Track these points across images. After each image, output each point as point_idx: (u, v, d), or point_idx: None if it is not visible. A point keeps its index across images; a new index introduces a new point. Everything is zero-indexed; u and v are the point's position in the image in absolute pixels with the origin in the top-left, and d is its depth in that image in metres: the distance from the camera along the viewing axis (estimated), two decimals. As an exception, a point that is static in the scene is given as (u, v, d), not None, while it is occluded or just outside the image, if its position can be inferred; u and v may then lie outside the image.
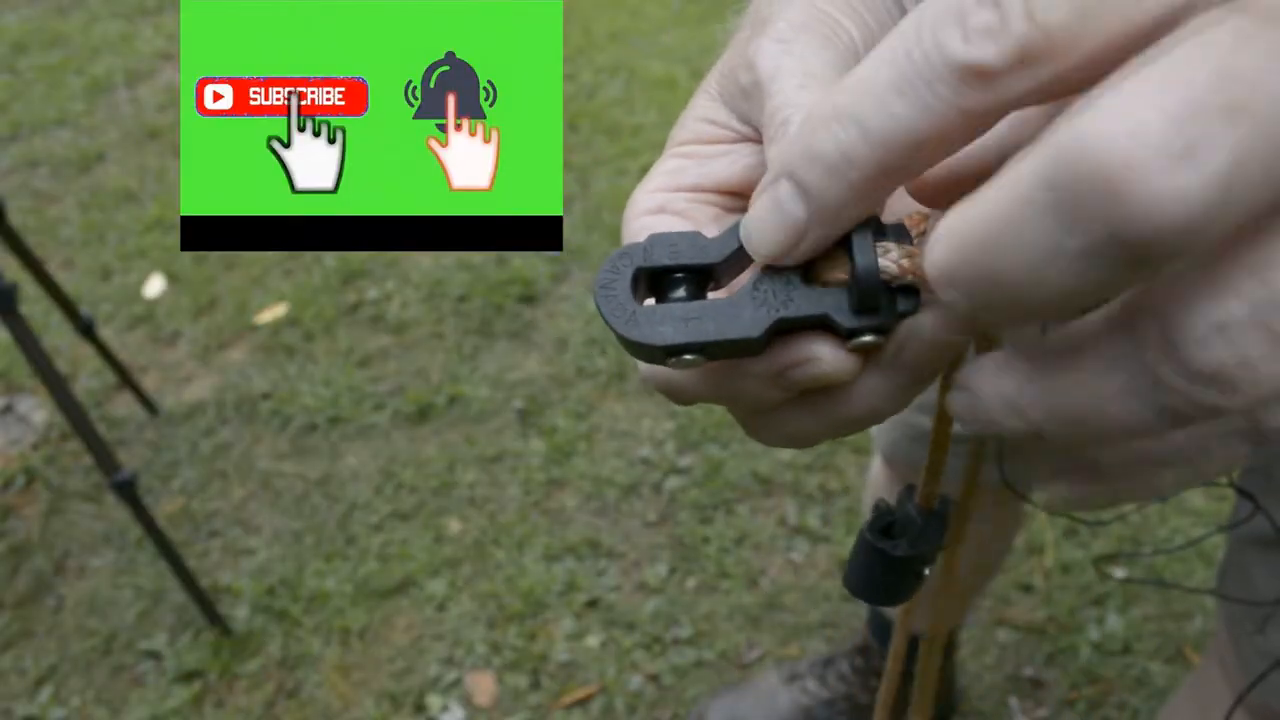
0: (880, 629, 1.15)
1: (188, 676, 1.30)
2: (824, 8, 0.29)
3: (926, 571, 0.31)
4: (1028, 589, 1.38)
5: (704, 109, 0.30)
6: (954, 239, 0.17)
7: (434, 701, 1.27)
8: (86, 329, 1.46)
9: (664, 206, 0.28)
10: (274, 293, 1.96)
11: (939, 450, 0.31)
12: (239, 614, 1.37)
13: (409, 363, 1.79)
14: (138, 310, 1.92)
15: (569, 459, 1.58)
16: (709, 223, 0.29)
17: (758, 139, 0.29)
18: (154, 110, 2.67)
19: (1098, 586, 1.37)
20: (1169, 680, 1.26)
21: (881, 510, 0.33)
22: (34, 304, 1.75)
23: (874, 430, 0.93)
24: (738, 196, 0.30)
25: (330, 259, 2.04)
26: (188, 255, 2.07)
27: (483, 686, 1.29)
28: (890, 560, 0.31)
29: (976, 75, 0.18)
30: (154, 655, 1.33)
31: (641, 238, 0.27)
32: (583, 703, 1.26)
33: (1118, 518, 1.42)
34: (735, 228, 0.25)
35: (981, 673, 1.29)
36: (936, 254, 0.18)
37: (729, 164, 0.29)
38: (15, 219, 1.29)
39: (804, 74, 0.27)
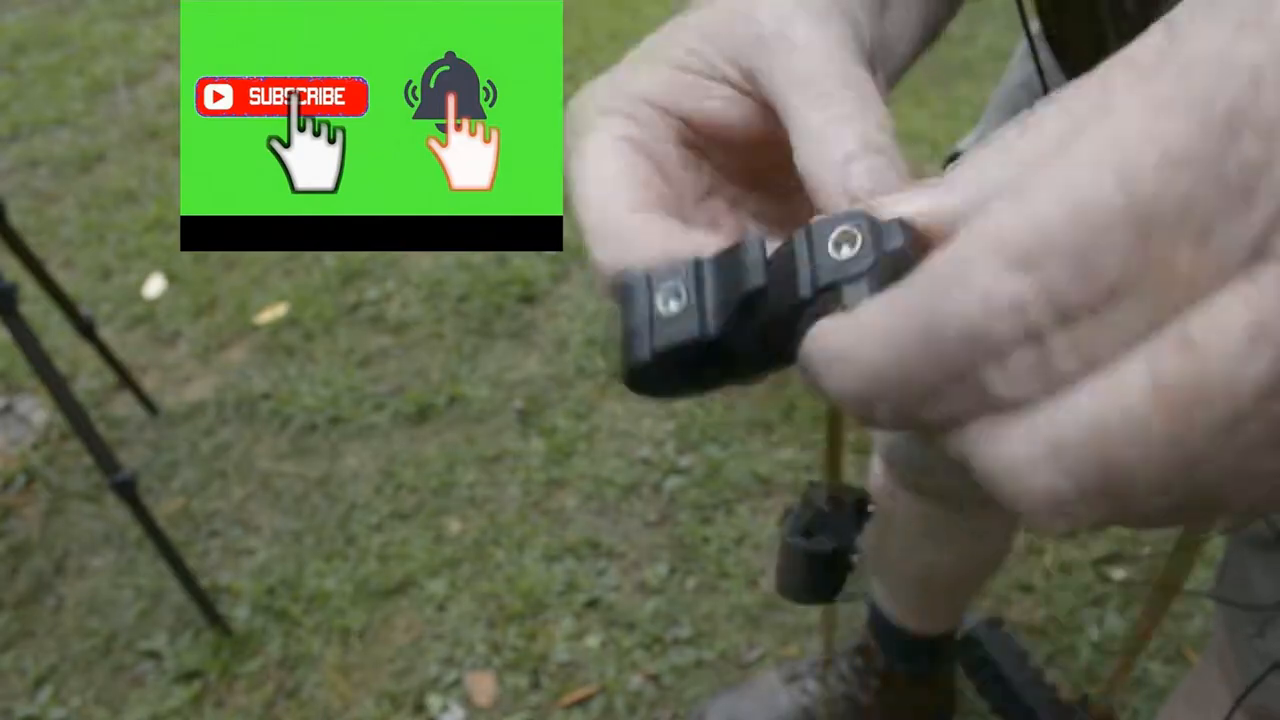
0: (881, 629, 1.15)
1: (188, 676, 1.30)
2: None
3: (855, 559, 0.31)
4: (1028, 589, 1.38)
5: (698, 34, 0.29)
6: None
7: (434, 701, 1.27)
8: (86, 329, 1.46)
9: (634, 114, 0.28)
10: (274, 293, 1.96)
11: (836, 445, 0.31)
12: (239, 614, 1.37)
13: (409, 363, 1.79)
14: (138, 310, 1.92)
15: (569, 459, 1.58)
16: (672, 150, 0.28)
17: (742, 85, 0.29)
18: (154, 110, 2.67)
19: (1097, 586, 1.37)
20: (1169, 680, 1.26)
21: (795, 512, 0.33)
22: (34, 304, 1.75)
23: (875, 432, 0.93)
24: (701, 134, 0.29)
25: (330, 259, 2.04)
26: (188, 255, 2.07)
27: (483, 686, 1.29)
28: (819, 558, 0.30)
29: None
30: (154, 655, 1.33)
31: (603, 132, 0.27)
32: (583, 703, 1.26)
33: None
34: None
35: (981, 673, 1.29)
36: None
37: (706, 104, 0.29)
38: (15, 219, 1.29)
39: (849, 56, 0.27)
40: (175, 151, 2.47)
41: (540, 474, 1.56)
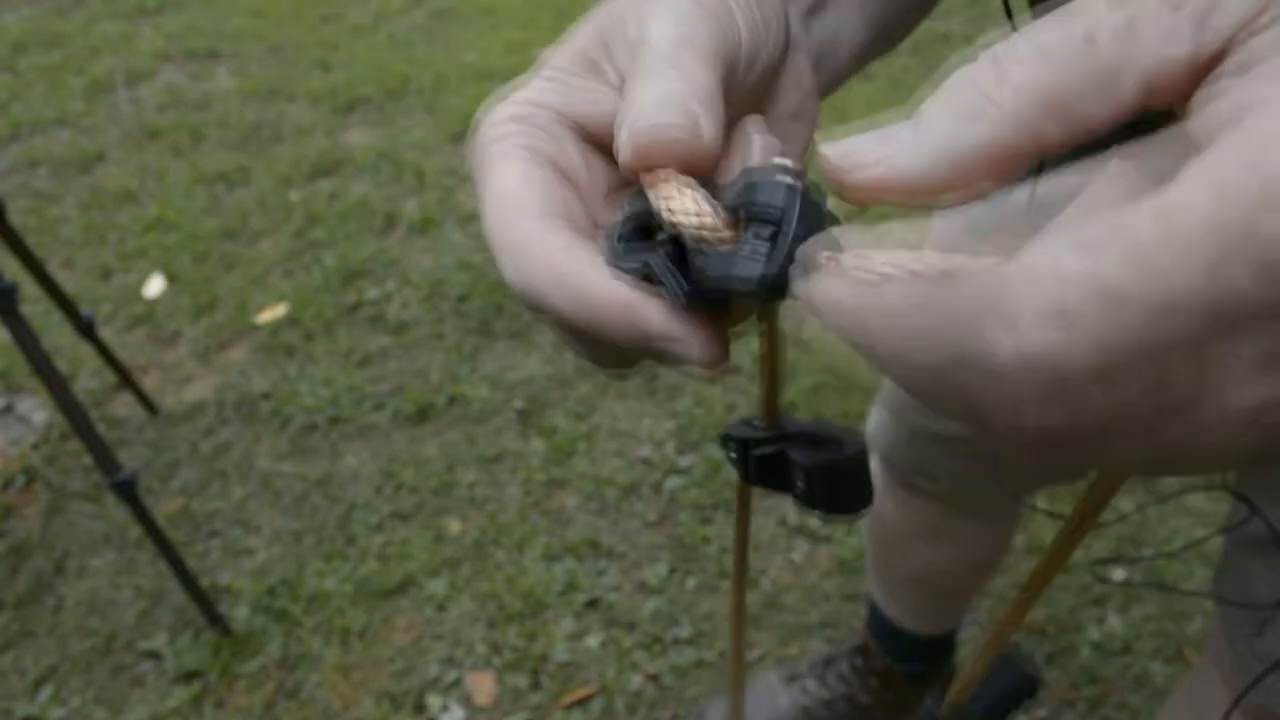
0: (881, 630, 1.15)
1: (188, 676, 1.30)
2: None
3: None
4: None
5: (584, 44, 0.30)
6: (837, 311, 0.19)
7: (434, 701, 1.27)
8: (86, 329, 1.46)
9: (528, 118, 0.28)
10: (274, 293, 1.96)
11: (774, 380, 0.33)
12: (239, 614, 1.37)
13: (409, 363, 1.79)
14: (138, 310, 1.92)
15: (569, 459, 1.58)
16: (572, 149, 0.29)
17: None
18: (154, 110, 2.67)
19: (1097, 586, 1.37)
20: (1169, 680, 1.26)
21: (803, 442, 0.34)
22: (34, 304, 1.76)
23: (871, 431, 0.93)
24: (595, 136, 0.29)
25: (330, 259, 2.04)
26: (188, 255, 2.07)
27: (483, 686, 1.29)
28: (858, 461, 0.32)
29: None
30: (154, 655, 1.33)
31: (502, 143, 0.27)
32: (583, 703, 1.26)
33: (1118, 519, 1.42)
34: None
35: (981, 673, 1.29)
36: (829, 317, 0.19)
37: (594, 103, 0.29)
38: (15, 219, 1.29)
39: (687, 41, 0.27)
40: (175, 151, 2.47)
41: (540, 474, 1.56)
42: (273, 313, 1.91)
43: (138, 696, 1.29)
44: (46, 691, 1.29)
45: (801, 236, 0.22)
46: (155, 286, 1.99)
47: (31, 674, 1.31)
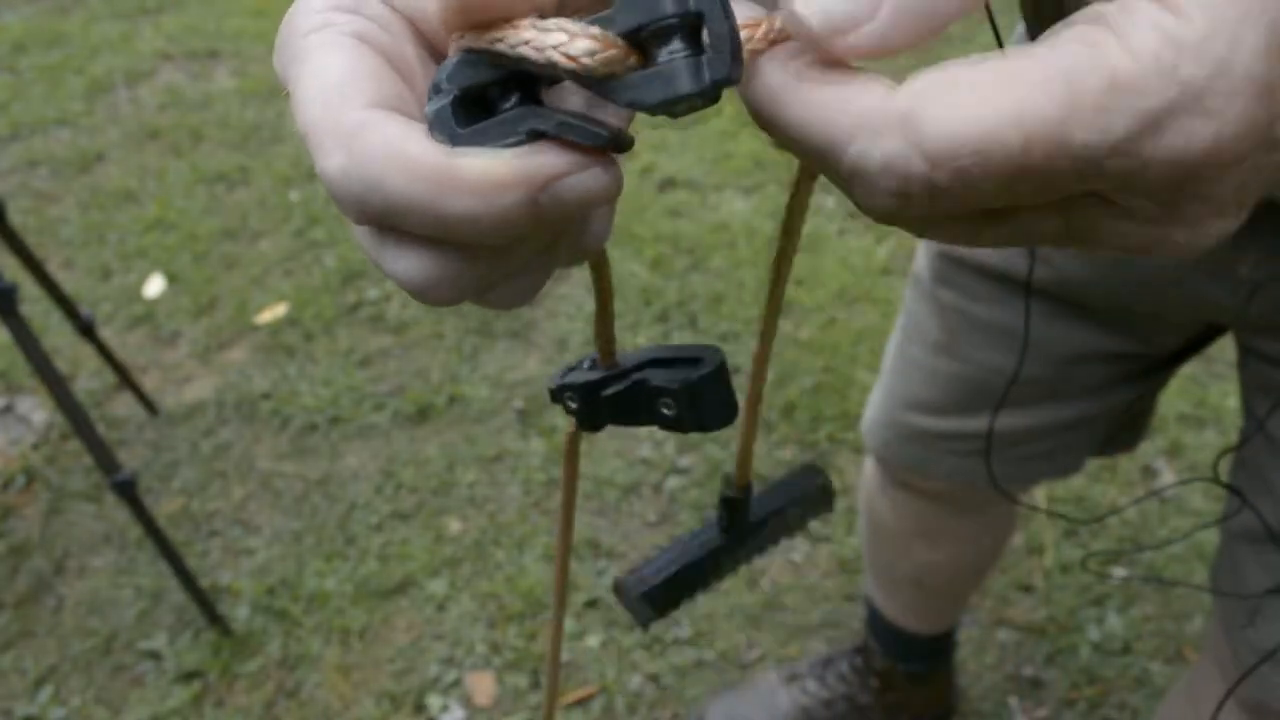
0: (879, 629, 1.15)
1: (188, 676, 1.30)
2: None
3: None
4: (1028, 589, 1.38)
5: None
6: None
7: (434, 701, 1.27)
8: (86, 329, 1.46)
9: (357, 8, 0.24)
10: (274, 293, 1.96)
11: (607, 316, 0.33)
12: (239, 614, 1.37)
13: (409, 363, 1.79)
14: (138, 310, 1.92)
15: (569, 459, 1.58)
16: (408, 49, 0.25)
17: None
18: (154, 110, 2.67)
19: (1098, 586, 1.37)
20: (1169, 680, 1.26)
21: (644, 361, 0.34)
22: (34, 304, 1.76)
23: (866, 431, 0.93)
24: (430, 41, 0.26)
25: (330, 259, 2.04)
26: (188, 255, 2.07)
27: (483, 686, 1.29)
28: (722, 373, 0.31)
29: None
30: (154, 655, 1.33)
31: (325, 31, 0.23)
32: (583, 703, 1.26)
33: (1113, 512, 1.42)
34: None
35: (981, 673, 1.29)
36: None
37: (429, 3, 0.25)
38: (15, 219, 1.29)
39: None
40: (175, 151, 2.48)
41: (540, 474, 1.56)
42: (273, 313, 1.91)
43: (138, 696, 1.29)
44: (46, 691, 1.30)
45: (733, 31, 0.20)
46: (155, 286, 1.99)
47: (31, 674, 1.32)
